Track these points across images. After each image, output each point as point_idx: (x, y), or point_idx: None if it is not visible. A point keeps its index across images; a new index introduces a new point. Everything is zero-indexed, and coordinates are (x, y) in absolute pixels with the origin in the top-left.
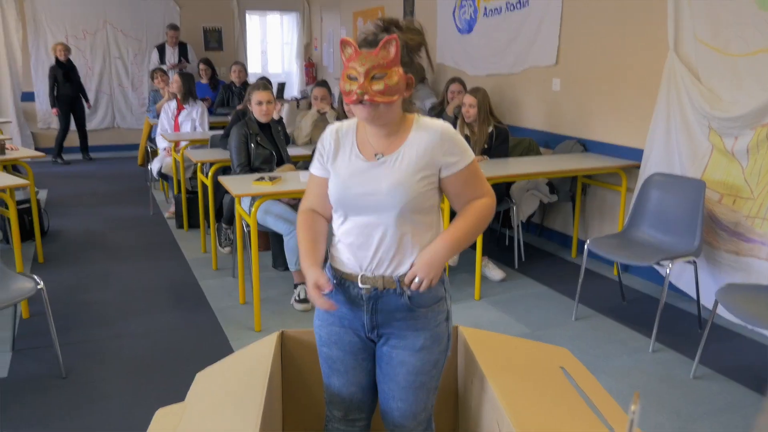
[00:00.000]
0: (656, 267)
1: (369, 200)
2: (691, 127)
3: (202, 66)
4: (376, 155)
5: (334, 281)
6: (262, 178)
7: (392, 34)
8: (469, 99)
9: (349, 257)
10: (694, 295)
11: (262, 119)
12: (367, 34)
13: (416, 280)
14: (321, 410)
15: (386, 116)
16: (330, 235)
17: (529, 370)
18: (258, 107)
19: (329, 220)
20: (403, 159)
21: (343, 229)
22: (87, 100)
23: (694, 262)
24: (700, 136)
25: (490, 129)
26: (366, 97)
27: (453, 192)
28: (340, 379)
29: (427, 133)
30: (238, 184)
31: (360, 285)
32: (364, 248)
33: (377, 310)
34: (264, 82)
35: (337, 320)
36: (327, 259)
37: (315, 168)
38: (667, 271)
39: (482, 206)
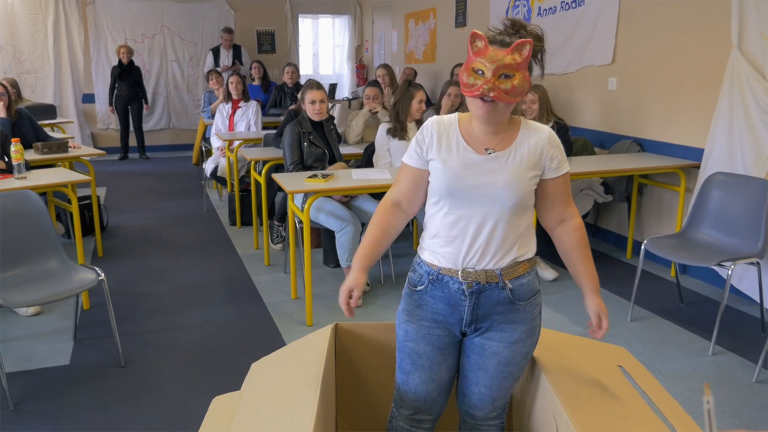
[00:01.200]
0: (716, 269)
1: (483, 192)
2: (755, 126)
3: (255, 65)
4: (487, 150)
5: (430, 277)
6: (315, 176)
7: (524, 37)
8: (530, 96)
9: (449, 251)
10: (757, 298)
11: (315, 118)
12: (496, 33)
13: (603, 328)
14: (373, 402)
15: (502, 115)
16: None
17: (586, 367)
18: (311, 106)
19: (410, 216)
20: (516, 156)
21: (445, 222)
22: (146, 102)
23: (758, 264)
24: (764, 134)
25: (551, 125)
26: (492, 93)
27: (550, 196)
28: (423, 375)
29: (537, 134)
30: (291, 181)
31: (461, 280)
32: (468, 241)
33: (479, 304)
34: (317, 82)
35: (429, 315)
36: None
37: (411, 158)
38: (729, 273)
39: (582, 234)
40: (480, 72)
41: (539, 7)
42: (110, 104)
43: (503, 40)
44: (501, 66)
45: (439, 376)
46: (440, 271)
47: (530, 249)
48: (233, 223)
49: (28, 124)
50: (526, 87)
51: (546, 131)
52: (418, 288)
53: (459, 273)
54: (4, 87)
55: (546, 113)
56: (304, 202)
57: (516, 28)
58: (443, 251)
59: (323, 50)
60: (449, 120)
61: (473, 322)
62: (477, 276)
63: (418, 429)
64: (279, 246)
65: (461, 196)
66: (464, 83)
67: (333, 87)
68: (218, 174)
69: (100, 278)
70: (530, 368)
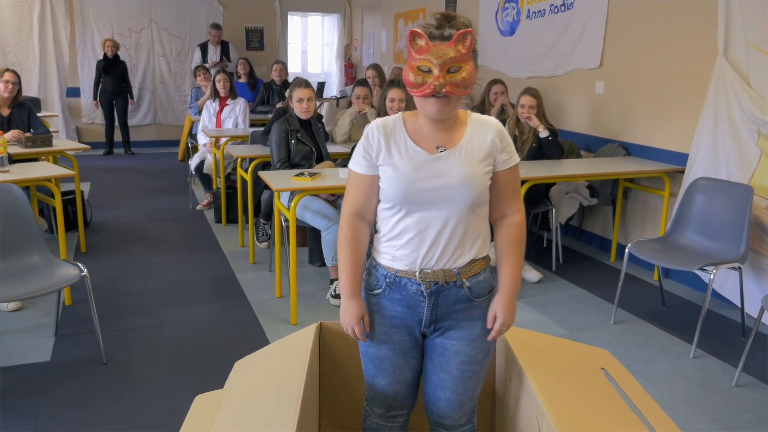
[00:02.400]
0: (699, 273)
1: (438, 195)
2: (740, 132)
3: (241, 62)
4: (438, 148)
5: (387, 280)
6: (301, 174)
7: (458, 28)
8: (528, 100)
9: (406, 253)
10: (738, 303)
11: (303, 116)
12: (433, 28)
13: (504, 329)
14: (357, 402)
15: (454, 110)
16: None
17: (569, 369)
18: (299, 104)
19: (371, 223)
20: (467, 152)
21: (401, 225)
22: (131, 96)
23: (740, 269)
24: (748, 141)
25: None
26: (445, 89)
27: (499, 189)
28: (387, 378)
29: (485, 127)
30: (278, 179)
31: (419, 281)
32: (425, 243)
33: (438, 304)
34: (305, 80)
35: (388, 320)
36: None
37: (359, 166)
38: (711, 277)
39: (520, 232)
40: (427, 69)
41: (528, 10)
42: (95, 98)
43: (442, 34)
44: (447, 60)
45: (404, 378)
46: (397, 274)
47: (486, 246)
48: (219, 220)
49: (25, 116)
50: (474, 77)
51: (494, 123)
52: (375, 292)
53: (417, 274)
54: (17, 77)
55: (542, 118)
56: (290, 201)
57: (448, 19)
58: (400, 254)
59: (312, 48)
60: (394, 121)
61: (432, 323)
62: (435, 276)
63: (394, 423)
64: (264, 244)
65: (418, 200)
66: (412, 83)
67: (321, 85)
68: (204, 171)
69: (82, 274)
70: (513, 369)
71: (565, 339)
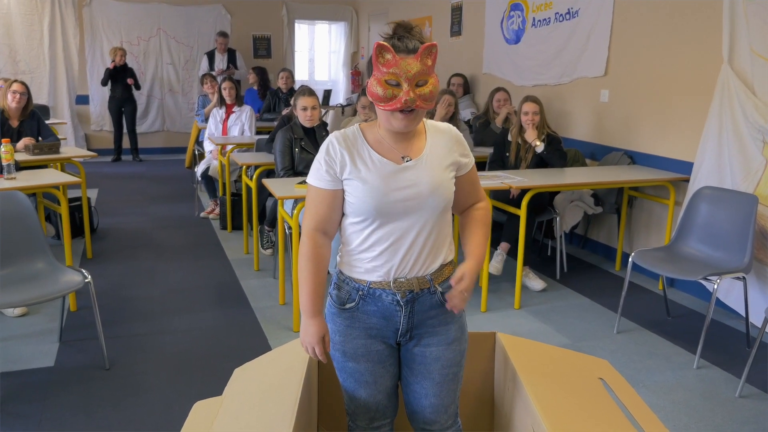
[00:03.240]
0: (703, 282)
1: (410, 204)
2: (745, 140)
3: (251, 73)
4: (403, 158)
5: (359, 293)
6: (304, 182)
7: (417, 39)
8: (532, 107)
9: (379, 264)
10: (743, 313)
11: (307, 124)
12: (396, 40)
13: (463, 284)
14: None
15: (419, 122)
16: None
17: (567, 378)
18: (303, 113)
19: (332, 238)
20: (432, 159)
21: (374, 237)
22: (137, 86)
23: (744, 279)
24: (753, 150)
25: (543, 136)
26: (416, 103)
27: (464, 188)
28: (368, 389)
29: (444, 134)
30: (281, 187)
31: (394, 290)
32: (399, 252)
33: (414, 312)
34: (309, 89)
35: (363, 332)
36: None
37: (321, 181)
38: (715, 287)
39: (485, 214)
40: (395, 83)
41: (533, 18)
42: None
43: (407, 46)
44: (415, 74)
45: (384, 386)
46: (371, 285)
47: (452, 250)
48: (224, 227)
49: (35, 126)
50: (438, 89)
51: (451, 129)
52: (348, 306)
53: (391, 284)
54: (26, 87)
55: (542, 125)
56: (293, 208)
57: (408, 30)
58: (372, 266)
59: (319, 56)
60: (353, 134)
61: (408, 331)
62: (410, 284)
63: None
64: (269, 251)
65: (390, 212)
66: (380, 97)
67: (327, 93)
68: (209, 173)
69: (86, 280)
70: (511, 378)
71: (564, 349)
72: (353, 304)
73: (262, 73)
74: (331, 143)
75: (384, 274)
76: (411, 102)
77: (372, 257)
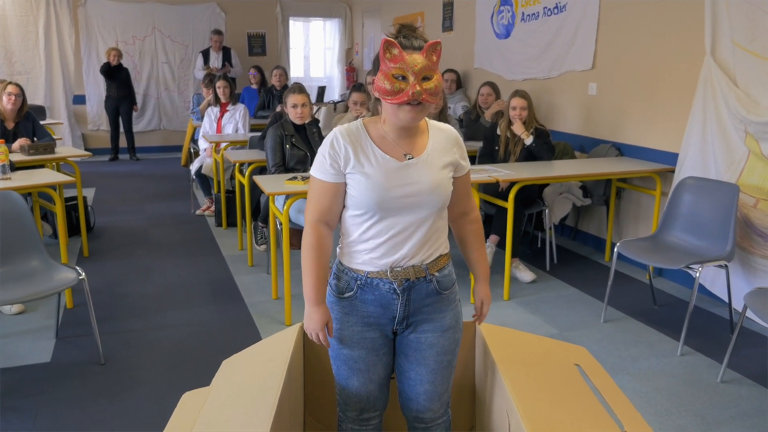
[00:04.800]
0: (689, 271)
1: (410, 201)
2: (727, 131)
3: (252, 72)
4: (406, 155)
5: (358, 282)
6: (294, 178)
7: (421, 38)
8: (520, 102)
9: (377, 256)
10: (727, 300)
11: (297, 121)
12: (402, 38)
13: (484, 314)
14: None
15: (424, 117)
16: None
17: (544, 365)
18: (293, 110)
19: (334, 228)
20: (434, 158)
21: (373, 231)
22: (135, 103)
23: (726, 267)
24: (736, 140)
25: (531, 130)
26: (422, 97)
27: (459, 191)
28: (361, 377)
29: (445, 134)
30: (271, 183)
31: (391, 279)
32: (397, 246)
33: (410, 300)
34: (299, 86)
35: (360, 320)
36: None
37: (326, 174)
38: (697, 275)
39: (479, 227)
40: (401, 77)
41: (523, 12)
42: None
43: (412, 44)
44: (422, 69)
45: (377, 376)
46: (368, 275)
47: (447, 242)
48: (219, 224)
49: (30, 127)
50: (441, 85)
51: (452, 130)
52: (347, 295)
53: (388, 273)
54: (21, 89)
55: (530, 119)
56: (285, 204)
57: (412, 30)
58: (370, 257)
59: (314, 53)
60: (356, 128)
61: (405, 318)
62: (406, 273)
63: (367, 426)
64: (263, 247)
65: (391, 207)
66: (388, 91)
67: (322, 90)
68: (203, 172)
69: (80, 277)
70: (490, 366)
71: (543, 337)
72: (352, 293)
73: (261, 72)
74: (336, 137)
75: (382, 265)
76: (418, 95)
77: (370, 248)
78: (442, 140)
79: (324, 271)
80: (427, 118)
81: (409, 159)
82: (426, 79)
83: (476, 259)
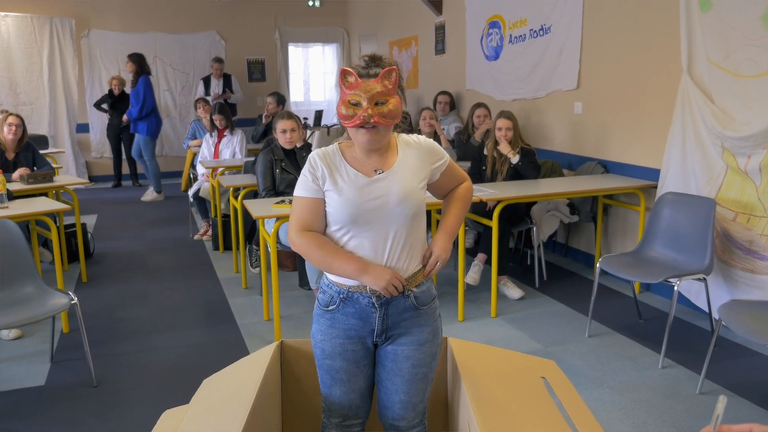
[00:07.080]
0: (670, 284)
1: (380, 213)
2: (706, 146)
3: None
4: (376, 171)
5: (340, 296)
6: (282, 201)
7: (384, 67)
8: (505, 123)
9: None
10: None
11: (287, 146)
12: (361, 68)
13: (438, 264)
14: (318, 414)
15: (384, 139)
16: None
17: (509, 378)
18: (282, 135)
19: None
20: (403, 172)
21: (351, 245)
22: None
23: (705, 279)
24: (714, 155)
25: (517, 150)
26: (373, 119)
27: (443, 185)
28: (342, 387)
29: (415, 148)
30: (259, 207)
31: (370, 294)
32: (374, 259)
33: (388, 314)
34: (288, 112)
35: (342, 332)
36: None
37: (307, 191)
38: (675, 288)
39: (464, 190)
40: (356, 103)
41: (510, 35)
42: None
43: (368, 72)
44: (375, 94)
45: (358, 386)
46: (350, 289)
47: (424, 257)
48: (216, 247)
49: (30, 157)
50: (400, 109)
51: (421, 141)
52: (330, 308)
53: (367, 288)
54: (21, 119)
55: (516, 138)
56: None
57: (375, 61)
58: None
59: (313, 77)
60: (332, 151)
61: (384, 332)
62: None
63: None
64: (257, 269)
65: (363, 220)
66: (343, 115)
67: (319, 113)
68: (200, 194)
69: (72, 302)
70: (458, 379)
71: (513, 351)
72: (335, 306)
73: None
74: (313, 159)
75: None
76: (368, 118)
77: None
78: (413, 154)
79: (341, 248)
80: (398, 135)
81: (379, 174)
82: (380, 103)
83: (446, 211)
